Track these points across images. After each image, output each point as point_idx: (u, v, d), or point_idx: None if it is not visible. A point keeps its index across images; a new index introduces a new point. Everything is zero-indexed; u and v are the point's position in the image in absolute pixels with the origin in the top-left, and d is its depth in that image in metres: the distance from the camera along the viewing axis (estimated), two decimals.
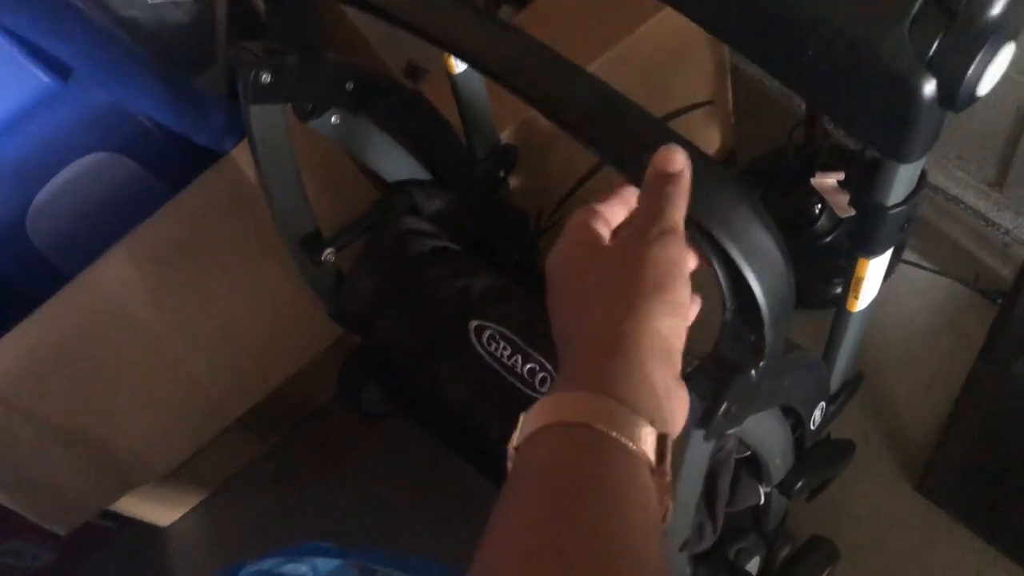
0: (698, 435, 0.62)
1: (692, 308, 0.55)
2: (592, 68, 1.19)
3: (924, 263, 1.39)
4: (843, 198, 1.34)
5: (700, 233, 0.54)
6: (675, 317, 0.49)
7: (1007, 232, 1.37)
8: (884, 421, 1.29)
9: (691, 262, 0.54)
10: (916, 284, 1.39)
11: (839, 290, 0.83)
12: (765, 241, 0.55)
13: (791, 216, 1.41)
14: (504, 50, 0.59)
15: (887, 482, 1.25)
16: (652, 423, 0.45)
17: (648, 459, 0.44)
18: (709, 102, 1.38)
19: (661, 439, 0.45)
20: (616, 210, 0.56)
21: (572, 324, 0.50)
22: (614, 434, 0.43)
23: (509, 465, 0.45)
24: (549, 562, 0.38)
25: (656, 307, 0.48)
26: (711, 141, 1.48)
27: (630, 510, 0.41)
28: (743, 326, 0.59)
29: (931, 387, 1.30)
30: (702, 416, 0.61)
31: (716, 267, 0.56)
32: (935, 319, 1.36)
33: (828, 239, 1.38)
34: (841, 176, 1.32)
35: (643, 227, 0.50)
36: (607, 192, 0.57)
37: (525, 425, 0.45)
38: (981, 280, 1.36)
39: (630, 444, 0.43)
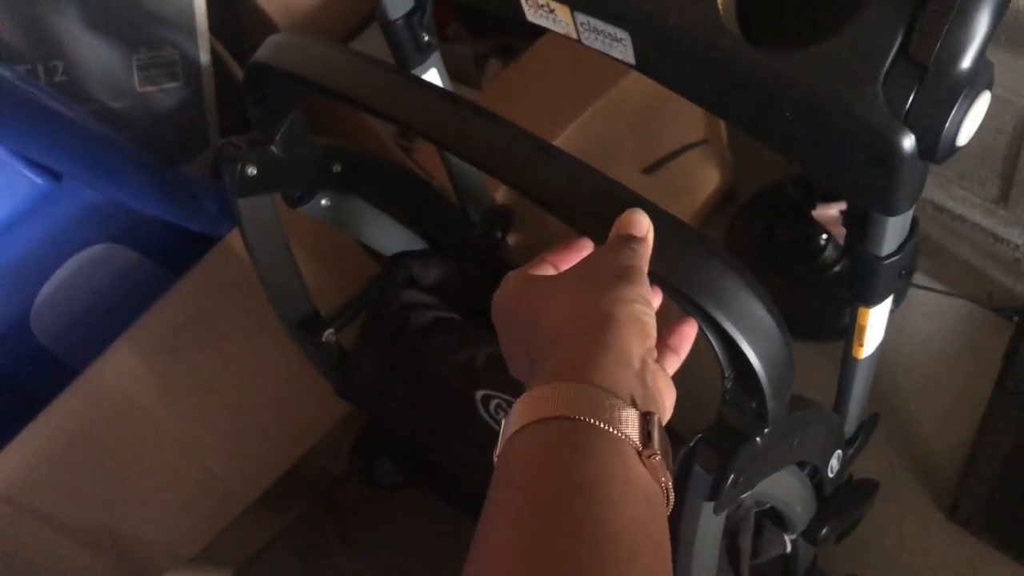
0: (708, 508, 0.61)
1: (654, 300, 0.54)
2: (583, 118, 1.19)
3: (936, 285, 1.37)
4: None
5: (693, 308, 0.53)
6: (644, 304, 0.48)
7: (1017, 248, 1.35)
8: (910, 451, 1.27)
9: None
10: (929, 307, 1.36)
11: (848, 320, 0.81)
12: (757, 310, 0.54)
13: (797, 248, 1.40)
14: (464, 132, 0.59)
15: (918, 513, 1.22)
16: (634, 404, 0.43)
17: (633, 442, 0.42)
18: (703, 141, 1.38)
19: (645, 419, 0.43)
20: (569, 256, 0.56)
21: (535, 336, 0.49)
22: (592, 421, 0.41)
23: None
24: (530, 563, 0.37)
25: (625, 292, 0.47)
26: (710, 180, 1.47)
27: (615, 498, 0.39)
28: (743, 394, 0.58)
29: (954, 411, 1.28)
30: (710, 488, 0.60)
31: (711, 339, 0.55)
32: (952, 341, 1.34)
33: (835, 269, 1.37)
34: (843, 206, 1.30)
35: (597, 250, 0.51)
36: (562, 244, 0.57)
37: (504, 432, 0.44)
38: (995, 298, 1.34)
39: (610, 429, 0.41)
